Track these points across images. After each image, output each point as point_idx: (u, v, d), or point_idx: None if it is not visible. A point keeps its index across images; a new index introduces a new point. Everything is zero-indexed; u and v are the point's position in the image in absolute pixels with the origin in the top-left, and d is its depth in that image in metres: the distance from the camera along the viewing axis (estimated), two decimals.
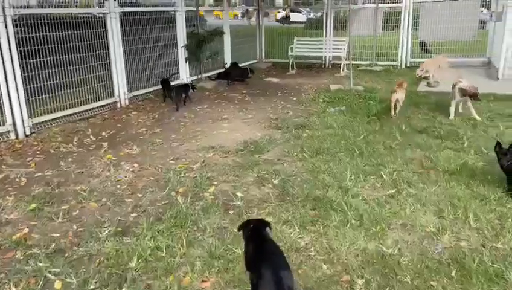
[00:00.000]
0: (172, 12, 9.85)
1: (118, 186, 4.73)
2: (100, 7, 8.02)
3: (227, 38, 11.99)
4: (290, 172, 4.91)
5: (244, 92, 9.83)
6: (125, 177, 4.96)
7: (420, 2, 12.09)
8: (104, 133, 6.75)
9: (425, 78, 9.60)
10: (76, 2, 8.89)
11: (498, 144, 4.26)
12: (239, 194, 4.39)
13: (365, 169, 4.90)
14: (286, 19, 29.14)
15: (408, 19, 11.98)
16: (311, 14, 27.08)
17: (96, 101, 7.88)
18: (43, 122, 6.89)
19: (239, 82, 10.70)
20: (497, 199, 4.03)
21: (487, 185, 4.33)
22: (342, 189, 4.41)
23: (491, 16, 10.82)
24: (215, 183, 4.70)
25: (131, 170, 5.20)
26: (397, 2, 12.13)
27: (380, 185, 4.52)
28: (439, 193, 4.26)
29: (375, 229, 3.62)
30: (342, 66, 11.95)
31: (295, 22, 28.34)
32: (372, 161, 5.13)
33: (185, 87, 8.68)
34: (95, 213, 4.11)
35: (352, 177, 4.64)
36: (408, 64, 12.29)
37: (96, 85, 7.91)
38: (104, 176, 5.03)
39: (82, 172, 5.16)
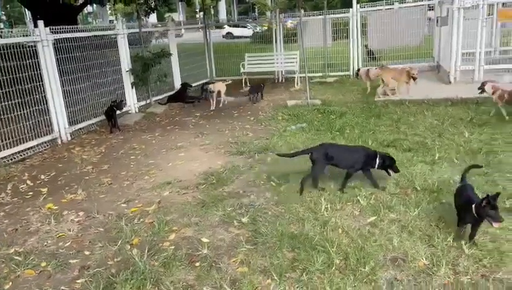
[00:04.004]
0: (113, 36, 9.18)
1: (61, 244, 4.02)
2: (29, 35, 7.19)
3: (174, 59, 11.42)
4: (259, 206, 4.41)
5: (197, 114, 9.28)
6: (69, 230, 4.26)
7: (367, 11, 12.09)
8: (42, 177, 5.96)
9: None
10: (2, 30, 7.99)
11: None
12: (204, 239, 3.83)
13: (339, 194, 4.49)
14: (229, 34, 28.89)
15: (357, 28, 11.93)
16: (258, 29, 27.07)
17: (33, 140, 7.03)
18: None
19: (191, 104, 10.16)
20: None
21: None
22: (319, 221, 3.96)
23: (437, 21, 10.96)
24: (176, 228, 4.11)
25: (76, 220, 4.50)
26: (344, 12, 12.07)
27: (358, 212, 4.12)
28: (423, 216, 3.91)
29: (364, 270, 3.18)
30: (296, 80, 11.69)
31: (240, 37, 28.19)
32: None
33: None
34: (31, 285, 3.40)
35: (328, 206, 4.22)
36: None
37: (31, 122, 7.08)
38: (43, 231, 4.30)
39: (16, 229, 4.40)
